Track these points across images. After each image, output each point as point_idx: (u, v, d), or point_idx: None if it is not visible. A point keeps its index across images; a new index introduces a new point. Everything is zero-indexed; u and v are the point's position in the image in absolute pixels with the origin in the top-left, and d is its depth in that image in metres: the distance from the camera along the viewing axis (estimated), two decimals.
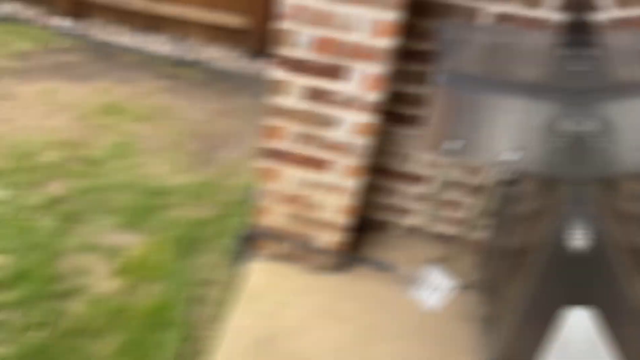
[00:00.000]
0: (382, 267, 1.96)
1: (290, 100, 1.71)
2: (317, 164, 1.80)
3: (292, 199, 1.89)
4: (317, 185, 1.84)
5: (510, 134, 1.25)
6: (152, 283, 1.97)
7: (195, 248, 2.17)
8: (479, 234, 2.07)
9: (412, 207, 2.18)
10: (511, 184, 1.68)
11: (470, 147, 1.28)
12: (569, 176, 1.20)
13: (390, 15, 1.51)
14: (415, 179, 2.11)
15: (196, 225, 2.28)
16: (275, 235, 1.97)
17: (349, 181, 1.81)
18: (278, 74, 1.67)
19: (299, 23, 1.57)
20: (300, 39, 1.60)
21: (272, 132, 1.78)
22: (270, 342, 1.71)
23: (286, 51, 1.63)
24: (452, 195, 2.11)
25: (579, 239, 1.13)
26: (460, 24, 1.72)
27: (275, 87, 1.70)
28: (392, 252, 2.12)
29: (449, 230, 2.19)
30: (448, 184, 2.08)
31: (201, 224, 2.30)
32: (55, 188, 2.38)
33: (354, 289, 1.93)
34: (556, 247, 1.17)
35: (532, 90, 1.26)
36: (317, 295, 1.89)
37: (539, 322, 1.25)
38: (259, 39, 3.65)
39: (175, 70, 3.70)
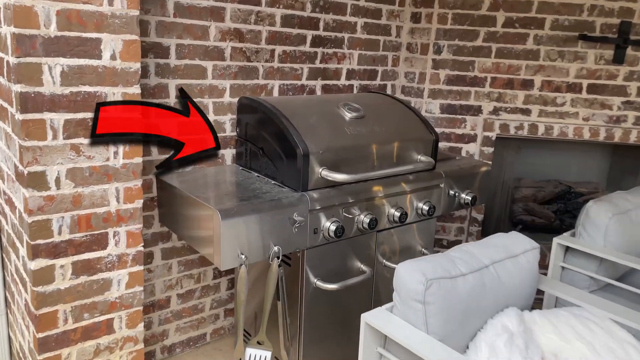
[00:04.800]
0: None
1: (58, 283, 1.74)
2: (101, 328, 1.86)
3: None
4: (107, 347, 1.89)
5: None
6: None
7: None
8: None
9: (169, 327, 2.43)
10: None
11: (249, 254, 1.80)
12: None
13: (137, 183, 1.84)
14: (164, 302, 2.39)
15: None
16: None
17: (136, 329, 1.95)
18: (37, 263, 1.68)
19: (51, 211, 1.67)
20: (56, 224, 1.70)
21: (46, 320, 1.74)
22: None
23: (42, 239, 1.68)
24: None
25: None
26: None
27: (38, 276, 1.69)
28: None
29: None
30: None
31: None
32: None
33: None
34: None
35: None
36: None
37: None
38: None
39: None
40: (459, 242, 3.13)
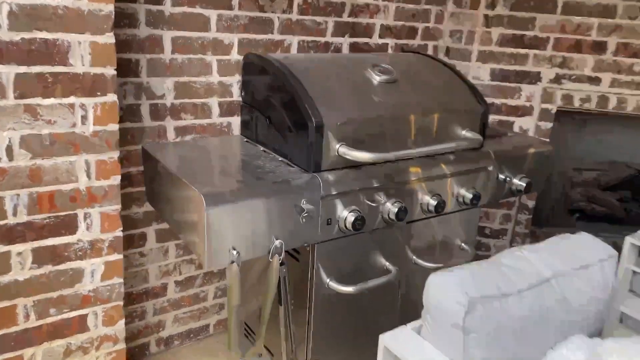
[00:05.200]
0: None
1: (16, 273, 1.44)
2: (72, 326, 1.58)
3: None
4: (79, 347, 1.61)
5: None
6: None
7: None
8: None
9: (165, 317, 2.14)
10: None
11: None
12: None
13: (112, 155, 1.51)
14: (160, 290, 2.09)
15: None
16: None
17: (115, 327, 1.66)
18: None
19: (2, 187, 1.36)
20: (9, 203, 1.39)
21: (1, 316, 1.45)
22: None
23: None
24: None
25: None
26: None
27: None
28: None
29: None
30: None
31: None
32: None
33: None
34: None
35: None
36: None
37: None
38: None
39: None
40: (504, 232, 2.70)
